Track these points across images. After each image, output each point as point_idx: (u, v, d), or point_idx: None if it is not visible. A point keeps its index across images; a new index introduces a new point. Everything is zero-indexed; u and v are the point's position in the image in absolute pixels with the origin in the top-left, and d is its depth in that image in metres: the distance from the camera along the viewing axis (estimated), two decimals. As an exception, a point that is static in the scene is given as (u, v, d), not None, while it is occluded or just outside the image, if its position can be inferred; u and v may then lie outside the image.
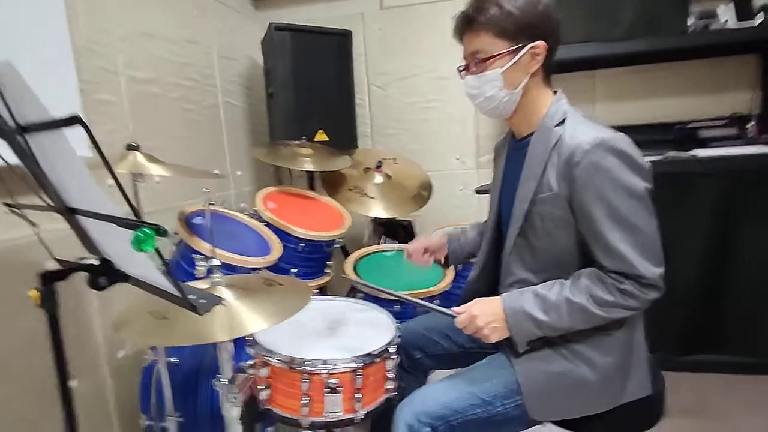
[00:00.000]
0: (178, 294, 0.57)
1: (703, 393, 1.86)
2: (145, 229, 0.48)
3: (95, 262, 0.69)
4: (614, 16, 1.96)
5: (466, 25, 1.02)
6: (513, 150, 1.14)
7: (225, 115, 2.27)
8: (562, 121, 1.00)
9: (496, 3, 0.98)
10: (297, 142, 2.01)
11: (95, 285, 0.66)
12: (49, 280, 0.68)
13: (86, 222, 0.65)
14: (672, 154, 2.03)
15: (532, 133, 1.05)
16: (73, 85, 1.40)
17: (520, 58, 0.99)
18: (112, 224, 0.56)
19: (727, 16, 1.91)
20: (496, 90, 1.01)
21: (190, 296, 0.58)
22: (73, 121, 0.47)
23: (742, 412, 1.76)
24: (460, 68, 1.07)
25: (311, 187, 2.34)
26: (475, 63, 1.01)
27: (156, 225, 0.49)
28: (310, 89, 2.23)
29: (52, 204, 0.68)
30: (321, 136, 2.27)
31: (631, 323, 1.01)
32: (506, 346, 1.05)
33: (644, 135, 2.35)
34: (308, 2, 2.64)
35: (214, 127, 2.21)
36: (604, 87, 2.38)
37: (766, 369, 1.96)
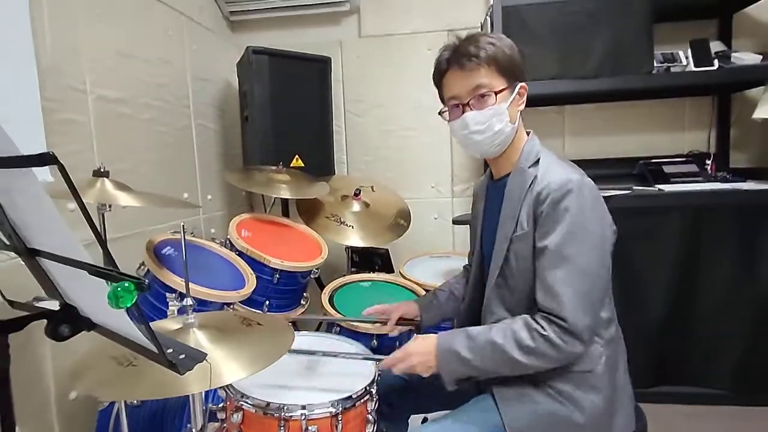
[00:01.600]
0: (154, 350, 0.51)
1: (671, 425, 1.89)
2: (124, 284, 0.42)
3: (55, 307, 0.62)
4: (583, 56, 2.05)
5: (467, 60, 1.00)
6: (492, 190, 1.16)
7: (197, 138, 2.20)
8: (536, 162, 1.03)
9: (490, 42, 1.01)
10: (273, 167, 1.97)
11: (55, 335, 0.59)
12: (0, 330, 0.60)
13: (49, 264, 0.59)
14: (637, 188, 2.11)
15: (508, 173, 1.08)
16: (36, 104, 1.31)
17: (514, 96, 1.03)
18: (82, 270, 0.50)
19: (686, 60, 2.04)
20: (503, 124, 1.02)
21: (168, 351, 0.52)
22: (45, 159, 0.42)
23: (710, 443, 1.79)
24: (449, 107, 1.06)
25: (286, 214, 2.28)
26: (477, 98, 1.01)
27: (137, 279, 0.44)
28: (287, 114, 2.19)
29: (7, 243, 0.61)
30: (297, 162, 2.23)
31: (614, 360, 1.02)
32: (491, 388, 1.03)
33: (610, 169, 2.47)
34: (286, 27, 2.64)
35: (186, 150, 2.13)
36: (573, 122, 2.47)
37: (731, 400, 2.02)
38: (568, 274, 0.93)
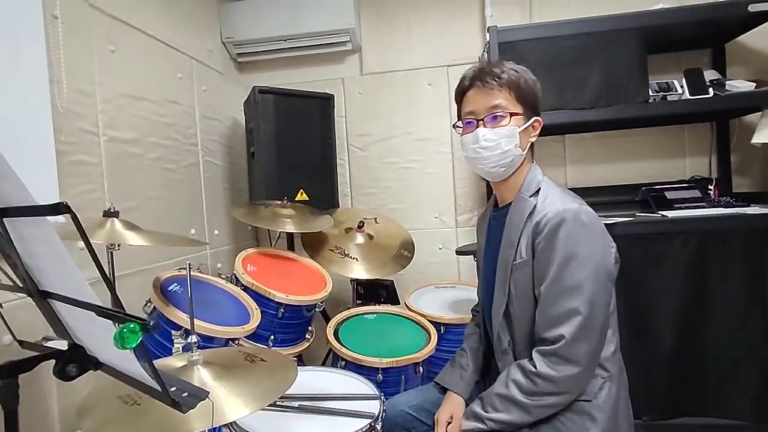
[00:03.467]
0: (157, 388, 0.52)
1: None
2: (130, 325, 0.44)
3: (63, 347, 0.64)
4: (579, 88, 2.10)
5: (490, 79, 1.04)
6: (494, 218, 1.17)
7: (205, 174, 2.26)
8: (537, 192, 1.05)
9: (514, 69, 1.06)
10: (278, 201, 2.00)
11: (63, 375, 0.60)
12: (10, 372, 0.61)
13: (59, 305, 0.61)
14: (640, 215, 2.12)
15: (511, 203, 1.10)
16: (50, 147, 1.37)
17: (527, 126, 1.06)
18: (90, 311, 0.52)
19: (682, 89, 2.08)
20: (513, 146, 1.05)
21: (171, 389, 0.53)
22: (58, 209, 0.45)
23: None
24: (464, 123, 1.10)
25: (291, 247, 2.31)
26: (492, 117, 1.05)
27: (143, 320, 0.45)
28: (292, 149, 2.25)
29: (21, 285, 0.63)
30: (302, 196, 2.27)
31: (615, 391, 1.01)
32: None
33: (612, 196, 2.48)
34: (291, 67, 2.74)
35: (193, 186, 2.19)
36: (574, 151, 2.51)
37: (743, 431, 1.95)
38: (564, 301, 0.94)
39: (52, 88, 1.38)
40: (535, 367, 0.94)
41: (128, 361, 0.59)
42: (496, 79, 1.04)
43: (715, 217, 1.99)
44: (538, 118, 1.08)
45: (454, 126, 1.14)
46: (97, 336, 0.55)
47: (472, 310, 1.40)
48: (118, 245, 1.19)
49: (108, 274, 1.26)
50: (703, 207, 2.11)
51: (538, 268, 0.98)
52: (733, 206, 2.07)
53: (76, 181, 1.50)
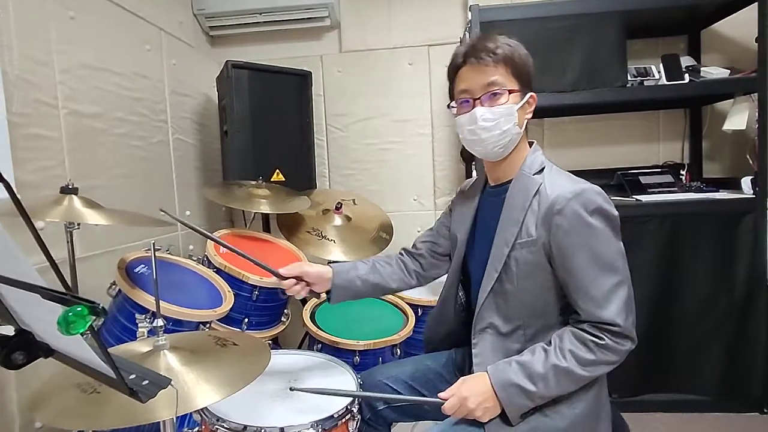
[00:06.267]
0: (113, 376, 0.48)
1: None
2: (77, 308, 0.40)
3: (9, 333, 0.58)
4: (560, 71, 2.09)
5: (485, 55, 0.99)
6: (488, 196, 1.14)
7: (175, 153, 2.16)
8: (540, 170, 1.03)
9: (507, 43, 1.01)
10: (253, 182, 1.94)
11: (9, 363, 0.55)
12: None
13: (2, 288, 0.55)
14: (615, 198, 2.15)
15: (509, 181, 1.07)
16: (2, 118, 1.27)
17: (524, 102, 1.02)
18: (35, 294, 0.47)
19: (659, 74, 2.09)
20: (511, 125, 1.01)
21: (130, 377, 0.49)
22: (-8, 177, 0.39)
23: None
24: (459, 102, 1.05)
25: (267, 229, 2.25)
26: (489, 95, 1.00)
27: (91, 302, 0.41)
28: (267, 128, 2.17)
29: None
30: (277, 177, 2.20)
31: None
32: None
33: (588, 180, 2.49)
34: (267, 42, 2.63)
35: (163, 165, 2.09)
36: (552, 135, 2.51)
37: (714, 407, 2.03)
38: (609, 281, 0.93)
39: (1, 53, 1.27)
40: (600, 339, 0.91)
41: (83, 348, 0.54)
42: (492, 54, 0.99)
43: (687, 201, 2.04)
44: (533, 93, 1.04)
45: (448, 106, 1.09)
46: (46, 321, 0.50)
47: (401, 252, 1.34)
48: (78, 224, 1.11)
49: (69, 255, 1.19)
50: (675, 192, 2.15)
51: (560, 249, 0.95)
52: (704, 191, 2.12)
53: (33, 156, 1.40)
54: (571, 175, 1.03)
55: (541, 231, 0.97)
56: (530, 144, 1.09)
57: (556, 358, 0.93)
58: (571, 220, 0.94)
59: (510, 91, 1.00)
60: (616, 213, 0.97)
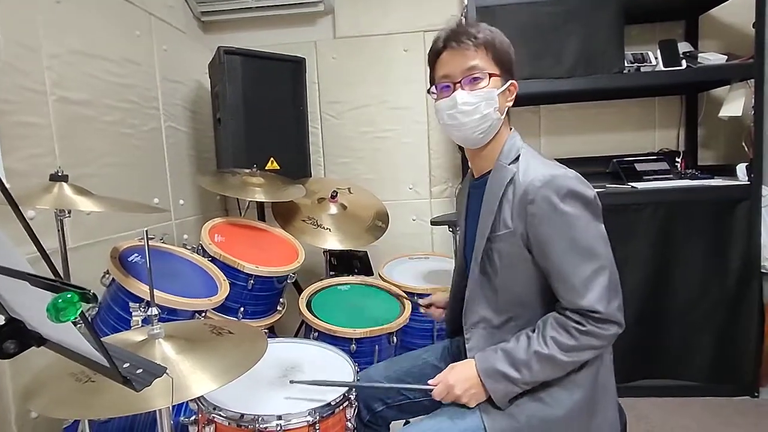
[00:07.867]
0: (106, 364, 0.47)
1: (647, 417, 1.92)
2: (67, 295, 0.39)
3: (1, 322, 0.57)
4: (557, 57, 2.07)
5: (466, 39, 0.98)
6: (473, 188, 1.14)
7: (168, 140, 2.13)
8: (516, 159, 1.02)
9: (488, 29, 1.01)
10: (247, 170, 1.91)
11: (0, 352, 0.54)
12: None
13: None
14: (611, 186, 2.15)
15: (489, 171, 1.06)
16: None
17: (505, 89, 1.01)
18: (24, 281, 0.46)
19: (656, 60, 2.08)
20: (492, 110, 1.00)
21: (124, 366, 0.48)
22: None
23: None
24: (439, 87, 1.04)
25: (262, 218, 2.23)
26: (470, 80, 0.99)
27: (81, 288, 0.40)
28: (261, 116, 2.14)
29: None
30: (272, 165, 2.18)
31: (598, 359, 1.01)
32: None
33: (584, 167, 2.46)
34: (259, 28, 2.59)
35: (155, 153, 2.06)
36: (548, 122, 2.50)
37: (706, 392, 2.06)
38: (589, 268, 0.92)
39: (-14, 38, 1.24)
40: (582, 324, 0.91)
41: (75, 336, 0.53)
42: (472, 39, 0.98)
43: (682, 188, 2.05)
44: (513, 81, 1.04)
45: (428, 91, 1.08)
46: (37, 309, 0.49)
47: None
48: (69, 212, 1.09)
49: (60, 243, 1.17)
50: (671, 179, 2.16)
51: (537, 238, 0.95)
52: (699, 178, 2.13)
53: (21, 143, 1.37)
54: (546, 160, 1.01)
55: (518, 222, 0.96)
56: (510, 130, 1.08)
57: (538, 344, 0.94)
58: (543, 209, 0.93)
59: (491, 75, 0.99)
60: (593, 194, 0.96)
